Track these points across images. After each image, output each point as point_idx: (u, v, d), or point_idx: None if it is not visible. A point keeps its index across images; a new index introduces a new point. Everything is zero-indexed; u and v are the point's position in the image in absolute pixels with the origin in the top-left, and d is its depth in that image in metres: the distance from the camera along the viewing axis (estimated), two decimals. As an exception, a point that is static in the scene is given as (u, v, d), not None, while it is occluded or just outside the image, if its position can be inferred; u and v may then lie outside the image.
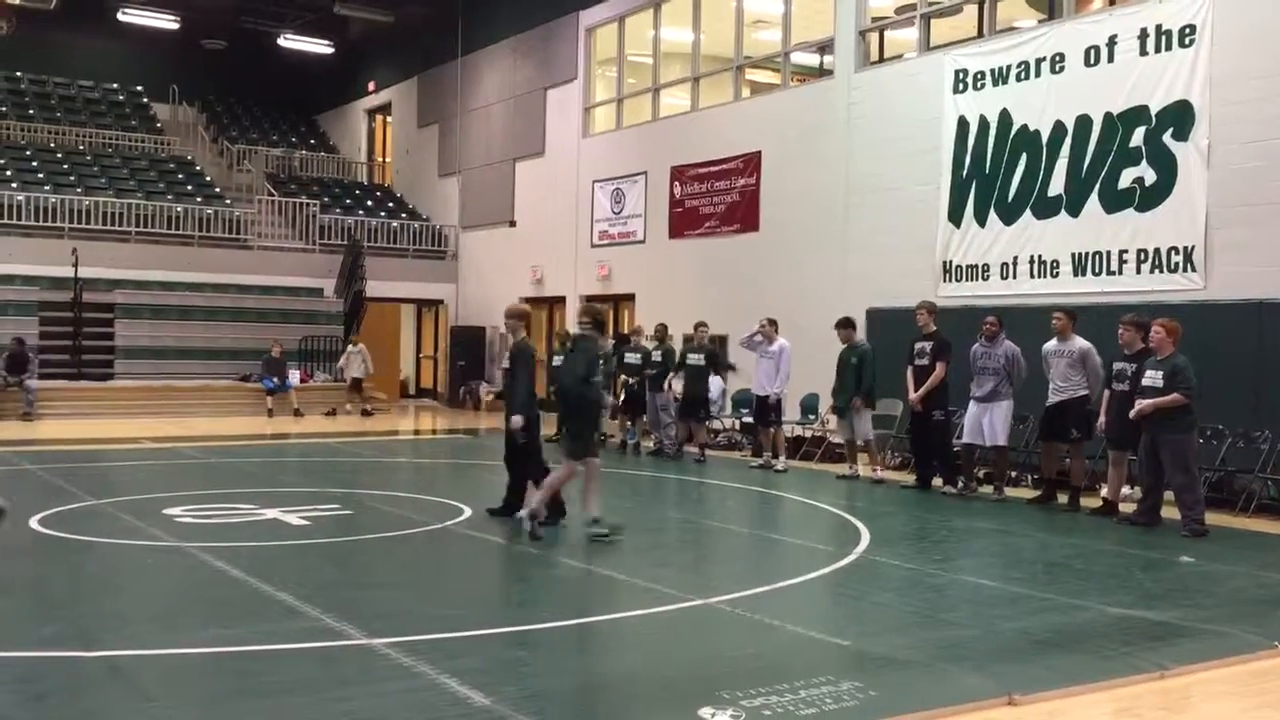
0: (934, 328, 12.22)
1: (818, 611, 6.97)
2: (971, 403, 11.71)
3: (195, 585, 7.27)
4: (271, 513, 9.71)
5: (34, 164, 25.22)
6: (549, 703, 4.82)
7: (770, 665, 5.43)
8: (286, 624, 6.09)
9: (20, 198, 22.67)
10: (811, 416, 15.39)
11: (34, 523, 8.97)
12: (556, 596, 7.26)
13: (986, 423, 11.50)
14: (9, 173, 24.29)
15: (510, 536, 8.93)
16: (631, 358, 16.10)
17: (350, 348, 21.81)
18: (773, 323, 14.08)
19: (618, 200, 21.00)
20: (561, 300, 22.50)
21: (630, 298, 20.61)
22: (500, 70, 24.78)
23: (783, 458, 13.97)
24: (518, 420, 9.20)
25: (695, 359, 15.18)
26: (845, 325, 13.23)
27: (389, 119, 30.24)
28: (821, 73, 18.58)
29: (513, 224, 24.22)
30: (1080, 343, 10.94)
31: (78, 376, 20.97)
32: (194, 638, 5.82)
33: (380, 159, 31.27)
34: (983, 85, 14.51)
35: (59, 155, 26.22)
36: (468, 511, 9.90)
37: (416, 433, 20.53)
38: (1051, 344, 11.13)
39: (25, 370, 19.19)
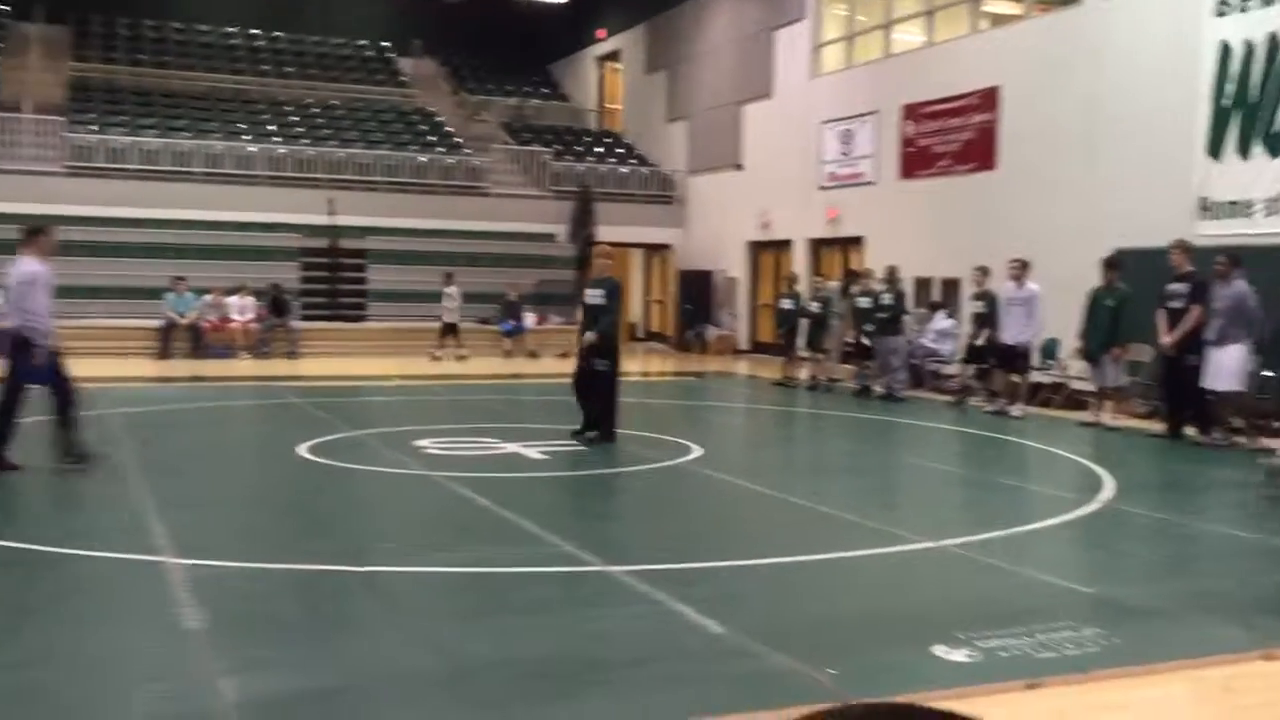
0: (1189, 268, 11.52)
1: (1057, 557, 6.78)
2: (1207, 346, 11.07)
3: (445, 511, 7.75)
4: (512, 446, 10.18)
5: (294, 119, 26.95)
6: (782, 633, 4.90)
7: (1006, 609, 5.34)
8: (529, 549, 6.41)
9: (283, 150, 24.32)
10: (1051, 361, 14.79)
11: (302, 450, 9.75)
12: (787, 533, 7.31)
13: (1215, 366, 10.85)
14: (272, 127, 26.06)
15: (738, 474, 9.04)
16: (863, 301, 15.86)
17: (445, 289, 20.77)
18: (1024, 265, 13.49)
19: (846, 141, 20.61)
20: (787, 244, 22.36)
21: (858, 240, 20.28)
22: (727, 13, 24.63)
23: (1020, 404, 13.53)
24: (590, 335, 10.13)
25: (977, 306, 14.35)
26: (1113, 265, 12.58)
27: (618, 66, 30.62)
28: (1067, 0, 17.61)
29: (739, 167, 24.17)
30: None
31: (334, 318, 22.46)
32: (446, 558, 6.23)
33: (609, 105, 31.75)
34: (1249, 8, 13.41)
35: (315, 110, 27.89)
36: (697, 450, 10.09)
37: (645, 374, 20.93)
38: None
39: (287, 313, 20.75)
